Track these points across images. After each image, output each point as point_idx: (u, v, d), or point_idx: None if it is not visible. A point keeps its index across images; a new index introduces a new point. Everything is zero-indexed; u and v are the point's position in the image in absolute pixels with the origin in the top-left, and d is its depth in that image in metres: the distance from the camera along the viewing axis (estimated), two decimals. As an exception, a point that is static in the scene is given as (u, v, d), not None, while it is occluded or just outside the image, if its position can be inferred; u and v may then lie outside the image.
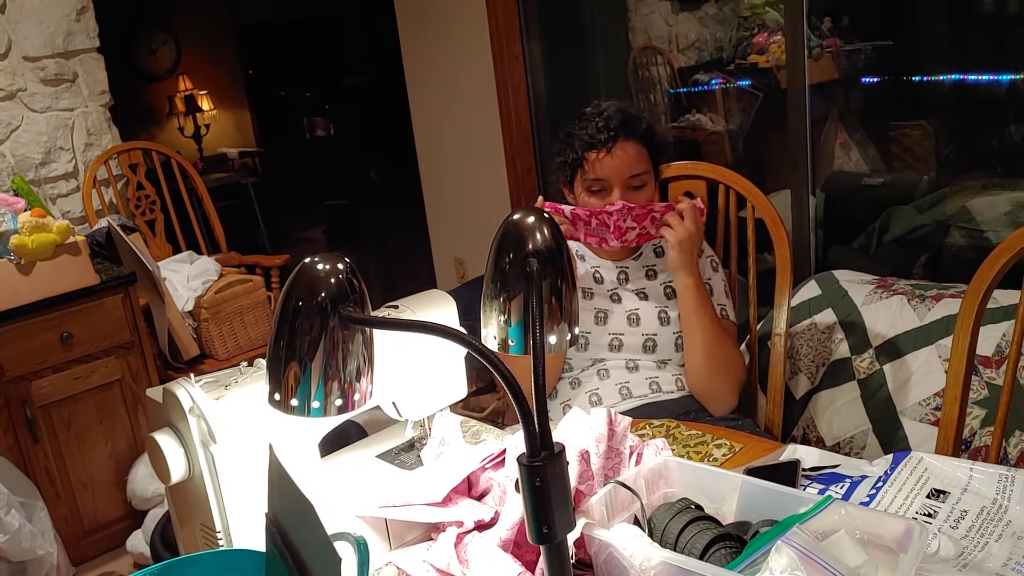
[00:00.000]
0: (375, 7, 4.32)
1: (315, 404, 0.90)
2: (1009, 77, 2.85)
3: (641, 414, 1.69)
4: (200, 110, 6.72)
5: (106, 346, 2.55)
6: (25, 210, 2.45)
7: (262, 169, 6.99)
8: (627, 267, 1.84)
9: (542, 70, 3.57)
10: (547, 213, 1.01)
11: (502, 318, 0.99)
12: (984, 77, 2.97)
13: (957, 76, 3.09)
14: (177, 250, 3.32)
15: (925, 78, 3.23)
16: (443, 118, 3.83)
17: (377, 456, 1.32)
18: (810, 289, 2.18)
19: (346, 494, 1.20)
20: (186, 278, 2.95)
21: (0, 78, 3.01)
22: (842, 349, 2.02)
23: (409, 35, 3.84)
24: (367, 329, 0.92)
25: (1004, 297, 1.82)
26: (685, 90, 4.02)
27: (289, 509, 0.78)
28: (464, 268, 3.97)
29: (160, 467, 1.07)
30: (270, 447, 0.86)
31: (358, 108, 6.75)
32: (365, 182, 6.45)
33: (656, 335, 1.79)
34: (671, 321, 1.79)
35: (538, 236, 0.98)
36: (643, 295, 1.82)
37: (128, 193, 3.38)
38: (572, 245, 1.88)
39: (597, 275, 1.84)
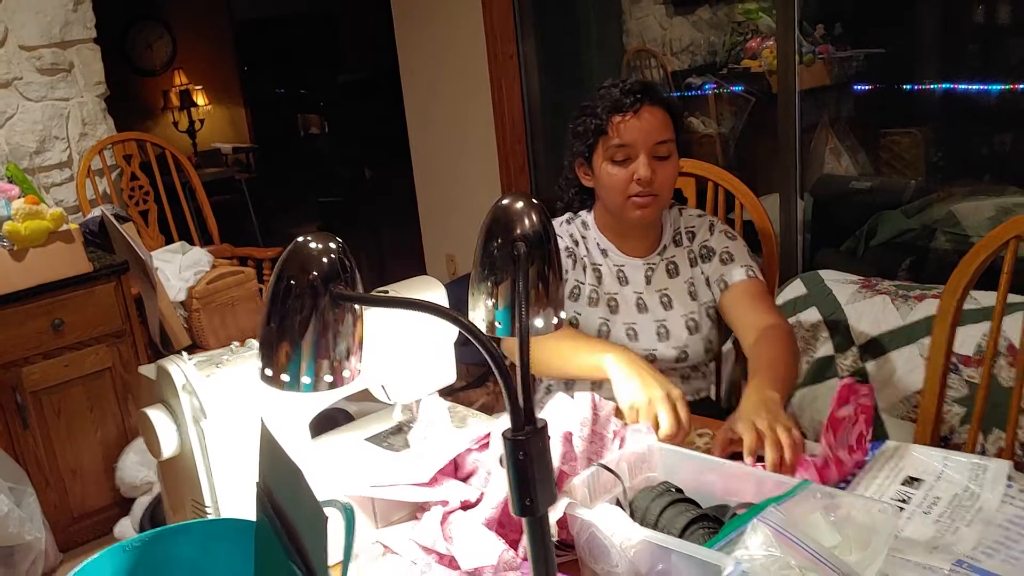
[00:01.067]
0: (371, 5, 4.34)
1: (305, 380, 0.92)
2: (999, 87, 2.89)
3: None
4: (195, 105, 6.72)
5: (97, 334, 2.56)
6: (19, 197, 2.46)
7: (256, 165, 6.99)
8: (654, 263, 1.77)
9: (536, 70, 3.59)
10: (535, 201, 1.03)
11: (490, 301, 1.02)
12: (974, 86, 3.01)
13: (948, 84, 3.13)
14: (170, 241, 3.33)
15: (916, 86, 3.27)
16: (437, 117, 3.86)
17: (366, 439, 1.34)
18: (795, 288, 2.22)
19: (335, 474, 1.22)
20: (178, 268, 2.96)
21: (-4, 66, 3.02)
22: (826, 347, 2.05)
23: (404, 34, 3.87)
24: (357, 308, 0.94)
25: (985, 298, 1.85)
26: (678, 93, 4.05)
27: (279, 476, 0.80)
28: (455, 264, 4.00)
29: (152, 442, 1.09)
30: (261, 419, 0.88)
31: (353, 106, 6.76)
32: (359, 179, 6.46)
33: (687, 346, 1.73)
34: (700, 327, 1.74)
35: (526, 221, 1.00)
36: (667, 301, 1.75)
37: (122, 183, 3.40)
38: (593, 235, 1.80)
39: (621, 275, 1.77)
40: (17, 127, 3.09)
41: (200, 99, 6.77)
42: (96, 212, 2.95)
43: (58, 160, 3.22)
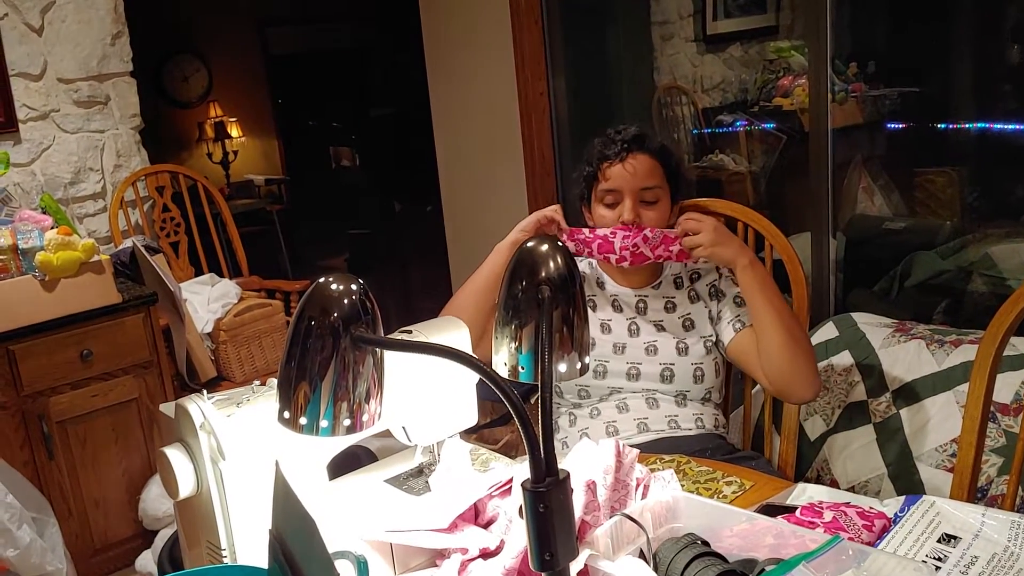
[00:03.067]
0: (403, 41, 4.39)
1: (324, 423, 0.91)
2: (1034, 127, 2.85)
3: (657, 448, 1.69)
4: (229, 137, 6.82)
5: (125, 364, 2.57)
6: (52, 228, 2.49)
7: (287, 197, 7.07)
8: (646, 296, 1.84)
9: (566, 106, 3.60)
10: (560, 242, 1.02)
11: (513, 345, 1.00)
12: (1010, 126, 2.97)
13: (983, 124, 3.09)
14: (199, 273, 3.35)
15: (950, 125, 3.24)
16: (466, 151, 3.87)
17: (385, 481, 1.32)
18: (828, 331, 2.17)
19: (353, 517, 1.20)
20: (207, 300, 2.98)
21: (34, 99, 3.07)
22: (859, 391, 2.00)
23: (435, 68, 3.89)
24: (378, 350, 0.93)
25: (1023, 345, 1.81)
26: (709, 130, 4.04)
27: (292, 525, 0.79)
28: (483, 300, 3.98)
29: (169, 482, 1.08)
30: (276, 463, 0.87)
31: (384, 139, 6.82)
32: (388, 212, 6.50)
33: (673, 364, 1.78)
34: (689, 352, 1.78)
35: (551, 264, 0.99)
36: (661, 327, 1.82)
37: (154, 215, 3.43)
38: (593, 271, 1.91)
39: (616, 302, 1.85)
40: (53, 158, 3.14)
41: (234, 131, 6.86)
42: (127, 243, 2.98)
43: (92, 191, 3.26)
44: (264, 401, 1.11)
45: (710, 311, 1.82)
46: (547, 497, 0.80)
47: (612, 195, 1.77)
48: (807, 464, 2.03)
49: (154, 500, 2.59)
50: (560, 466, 0.84)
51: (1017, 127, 2.94)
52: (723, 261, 1.72)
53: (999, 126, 3.03)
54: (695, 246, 1.70)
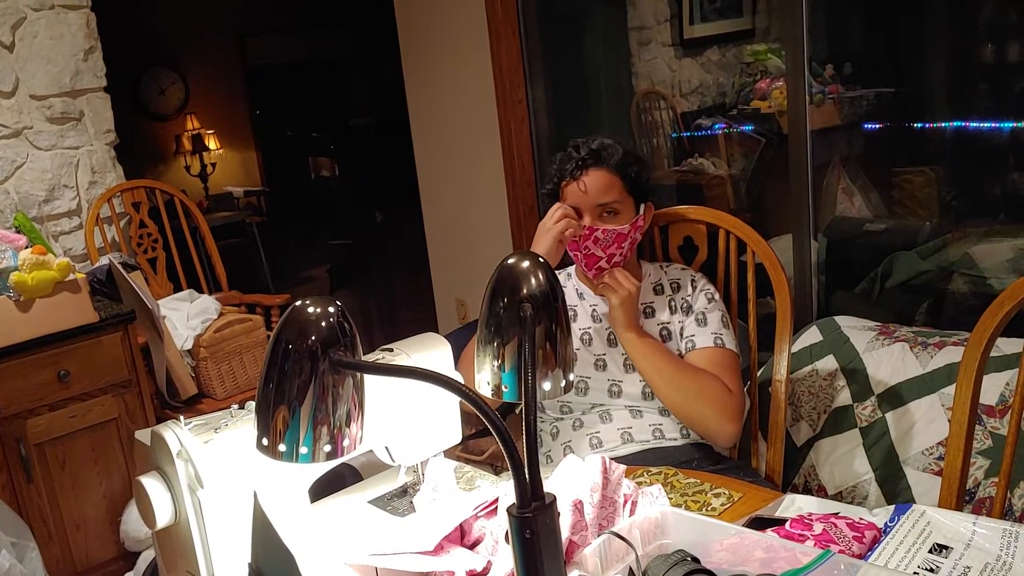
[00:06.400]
0: (381, 50, 4.37)
1: (303, 450, 0.89)
2: (1010, 125, 2.86)
3: (643, 459, 1.67)
4: (207, 149, 6.77)
5: (103, 384, 2.53)
6: (26, 247, 2.45)
7: (267, 208, 7.02)
8: None
9: (545, 113, 3.59)
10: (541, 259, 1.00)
11: (496, 363, 0.98)
12: (986, 125, 2.98)
13: (959, 123, 3.10)
14: (178, 288, 3.31)
15: (927, 125, 3.25)
16: (446, 160, 3.85)
17: (369, 502, 1.30)
18: (811, 335, 2.17)
19: (336, 540, 1.18)
20: (186, 316, 2.94)
21: (6, 116, 3.03)
22: (844, 396, 2.00)
23: (413, 78, 3.87)
24: (357, 374, 0.91)
25: (1007, 345, 1.80)
26: (688, 134, 4.04)
27: (271, 558, 0.76)
28: (466, 309, 3.96)
29: (146, 512, 1.05)
30: (255, 495, 0.84)
31: (363, 149, 6.79)
32: (369, 222, 6.47)
33: None
34: None
35: (533, 281, 0.97)
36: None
37: (131, 231, 3.39)
38: (572, 284, 1.90)
39: (595, 313, 1.84)
40: (26, 176, 3.09)
41: (212, 143, 6.82)
42: (104, 260, 2.94)
43: (67, 208, 3.22)
44: (243, 426, 1.09)
45: (682, 325, 1.82)
46: (533, 523, 0.78)
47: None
48: (794, 470, 2.02)
49: (135, 521, 2.55)
50: (546, 484, 0.82)
51: (993, 125, 2.95)
52: (614, 321, 1.76)
53: (975, 125, 3.04)
54: (610, 294, 1.74)
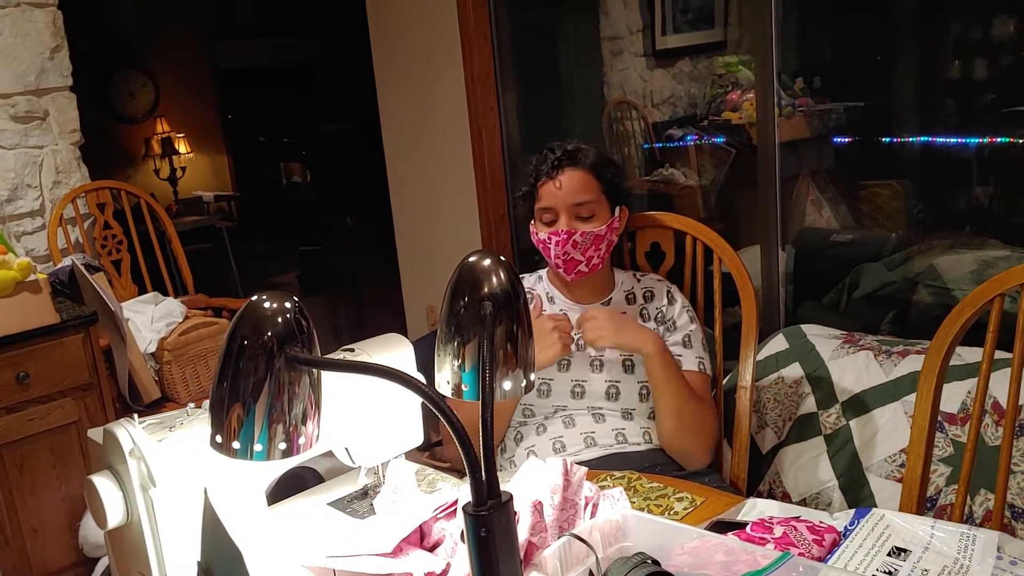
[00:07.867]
0: (353, 56, 4.36)
1: (258, 447, 0.87)
2: (976, 140, 2.90)
3: (606, 464, 1.67)
4: (176, 153, 6.70)
5: (64, 387, 2.49)
6: (-14, 247, 2.41)
7: (238, 213, 6.96)
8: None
9: (517, 121, 3.59)
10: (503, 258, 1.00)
11: (456, 363, 0.97)
12: (952, 140, 3.02)
13: (926, 138, 3.14)
14: (143, 291, 3.27)
15: (895, 139, 3.28)
16: (417, 167, 3.84)
17: (329, 504, 1.28)
18: (778, 343, 2.18)
19: (293, 542, 1.16)
20: (150, 319, 2.90)
21: (-31, 114, 2.98)
22: (809, 404, 2.01)
23: (385, 84, 3.86)
24: (314, 371, 0.90)
25: (969, 354, 1.82)
26: (660, 145, 4.06)
27: (220, 556, 0.75)
28: (435, 315, 3.95)
29: (97, 511, 1.03)
30: (204, 492, 0.83)
31: (335, 155, 6.76)
32: (340, 228, 6.44)
33: (619, 382, 1.77)
34: (635, 370, 1.77)
35: (494, 279, 0.96)
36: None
37: (95, 232, 3.34)
38: (543, 287, 1.89)
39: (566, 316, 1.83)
40: (-11, 175, 3.05)
41: (182, 147, 6.75)
42: (67, 262, 2.89)
43: (30, 209, 3.17)
44: (198, 424, 1.07)
45: (663, 338, 1.81)
46: (489, 521, 0.77)
47: (548, 213, 1.79)
48: (759, 477, 2.02)
49: (94, 527, 2.50)
50: (506, 487, 0.81)
51: (958, 141, 2.99)
52: (631, 348, 1.73)
53: (941, 140, 3.08)
54: (599, 338, 1.71)
